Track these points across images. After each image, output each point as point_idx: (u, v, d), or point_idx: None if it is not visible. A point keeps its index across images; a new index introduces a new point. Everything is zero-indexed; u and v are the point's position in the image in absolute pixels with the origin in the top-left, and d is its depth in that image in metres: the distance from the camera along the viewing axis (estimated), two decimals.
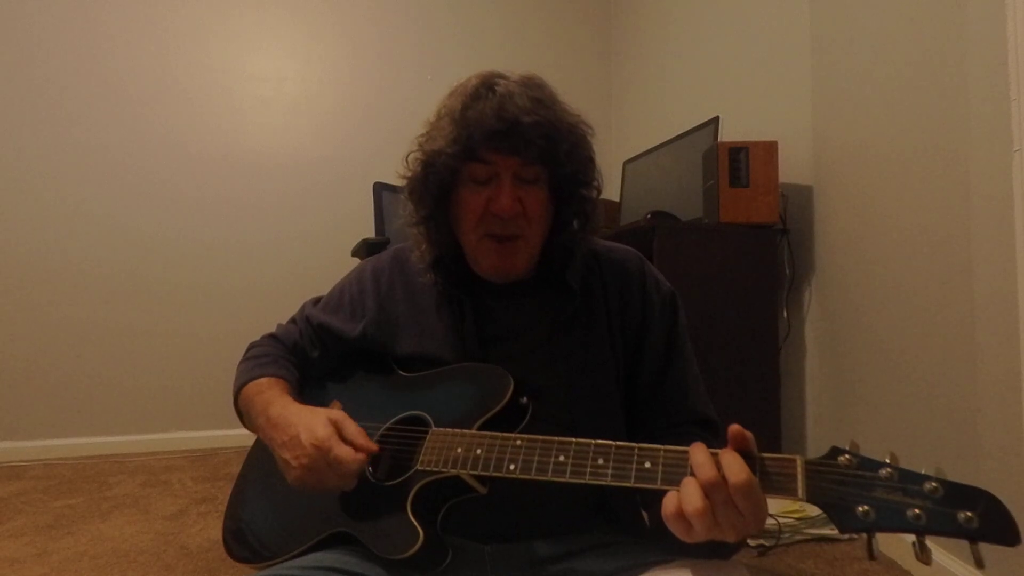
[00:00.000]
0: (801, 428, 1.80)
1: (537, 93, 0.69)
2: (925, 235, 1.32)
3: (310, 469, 0.66)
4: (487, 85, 0.69)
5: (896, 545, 1.39)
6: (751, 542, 1.46)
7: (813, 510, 1.54)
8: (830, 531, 1.50)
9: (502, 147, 0.68)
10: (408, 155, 0.75)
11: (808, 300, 1.78)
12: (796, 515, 1.52)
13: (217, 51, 2.76)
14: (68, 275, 2.57)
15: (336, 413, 0.70)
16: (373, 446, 0.68)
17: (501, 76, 0.70)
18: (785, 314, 1.82)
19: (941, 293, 1.27)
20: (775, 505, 1.53)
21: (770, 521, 1.47)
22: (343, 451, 0.65)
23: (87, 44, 2.60)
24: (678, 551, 0.66)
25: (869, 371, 1.51)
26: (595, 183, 0.76)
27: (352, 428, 0.68)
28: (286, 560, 0.72)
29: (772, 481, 0.50)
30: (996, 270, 1.13)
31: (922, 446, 1.32)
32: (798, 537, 1.49)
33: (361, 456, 0.66)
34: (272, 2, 2.83)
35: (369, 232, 2.19)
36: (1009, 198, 1.09)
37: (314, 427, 0.68)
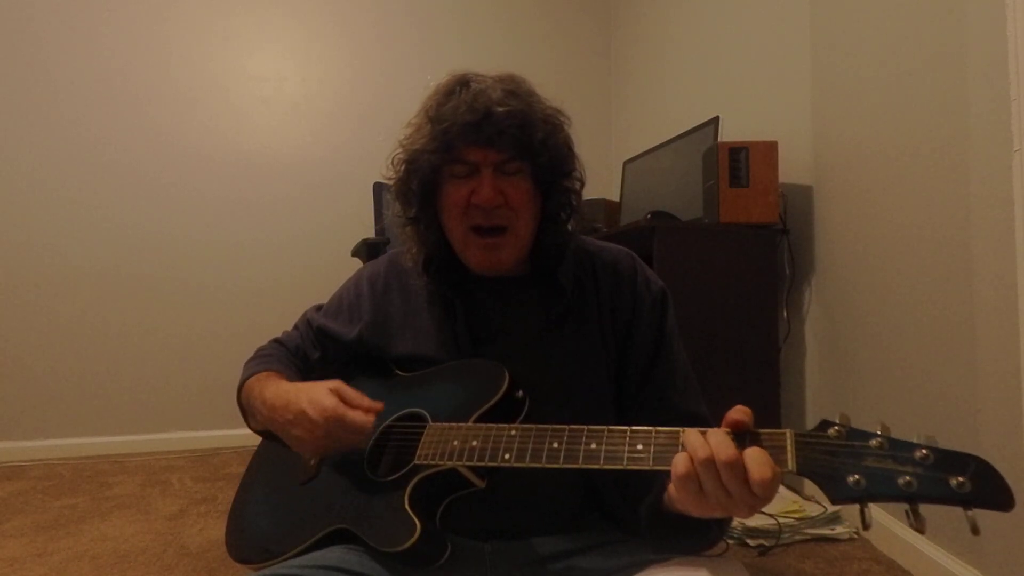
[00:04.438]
0: (801, 428, 1.79)
1: (511, 86, 0.70)
2: (925, 235, 1.32)
3: (324, 439, 0.69)
4: (461, 81, 0.71)
5: (896, 544, 1.39)
6: (751, 542, 1.46)
7: (813, 509, 1.55)
8: (830, 531, 1.50)
9: (478, 139, 0.69)
10: (392, 156, 0.76)
11: (808, 300, 1.78)
12: (796, 515, 1.52)
13: (217, 51, 2.76)
14: (68, 275, 2.57)
15: (331, 382, 0.73)
16: (378, 404, 0.71)
17: (477, 74, 0.72)
18: (785, 314, 1.82)
19: (941, 292, 1.27)
20: (775, 505, 1.53)
21: (770, 521, 1.47)
22: (356, 415, 0.69)
23: (87, 44, 2.60)
24: (670, 549, 0.67)
25: (869, 371, 1.51)
26: (576, 173, 0.77)
27: (351, 393, 0.72)
28: (286, 559, 0.72)
29: None
30: (996, 270, 1.13)
31: (920, 434, 1.32)
32: (798, 537, 1.49)
33: (371, 416, 0.69)
34: (272, 2, 2.83)
35: (369, 232, 2.19)
36: (1009, 198, 1.09)
37: (317, 399, 0.70)
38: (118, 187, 2.63)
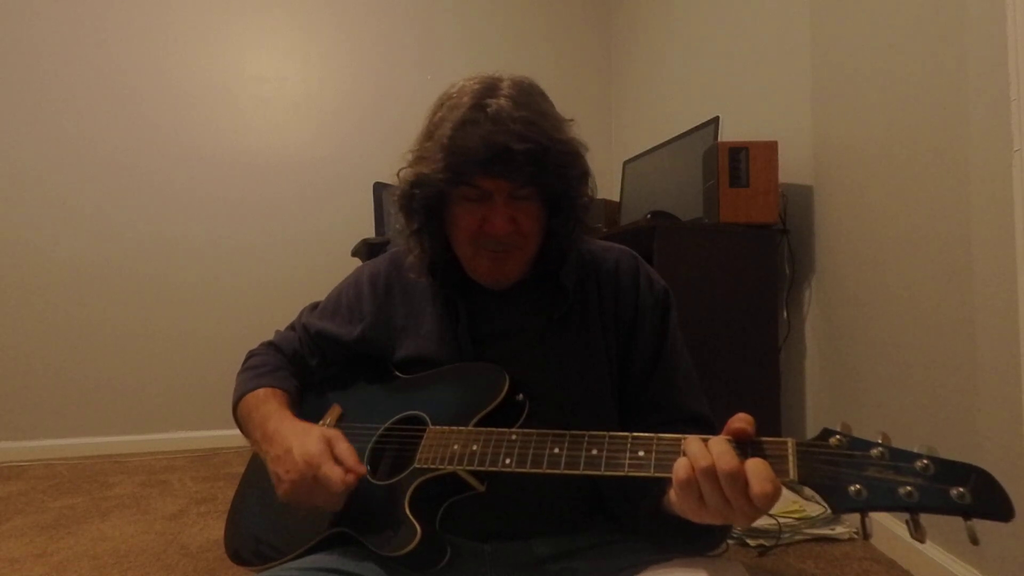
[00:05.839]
0: (801, 428, 1.80)
1: (528, 111, 0.67)
2: (925, 235, 1.32)
3: (298, 485, 0.66)
4: (478, 106, 0.67)
5: (896, 544, 1.39)
6: (751, 542, 1.46)
7: (813, 509, 1.54)
8: (830, 531, 1.50)
9: (494, 173, 0.67)
10: (399, 171, 0.73)
11: (808, 300, 1.78)
12: (796, 515, 1.52)
13: (218, 51, 2.76)
14: (68, 275, 2.57)
15: (331, 431, 0.70)
16: (362, 468, 0.67)
17: (492, 91, 0.68)
18: (785, 314, 1.82)
19: (941, 293, 1.27)
20: (775, 505, 1.53)
21: (770, 521, 1.47)
22: (331, 471, 0.64)
23: (88, 44, 2.60)
24: (672, 548, 0.66)
25: (869, 371, 1.51)
26: (587, 192, 0.75)
27: (344, 447, 0.67)
28: (286, 561, 0.72)
29: None
30: (996, 270, 1.13)
31: (922, 444, 1.32)
32: (798, 537, 1.49)
33: (349, 478, 0.65)
34: (273, 2, 2.83)
35: (369, 232, 2.20)
36: (1009, 198, 1.09)
37: (307, 443, 0.67)
38: (118, 187, 2.63)
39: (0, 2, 2.51)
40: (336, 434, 0.69)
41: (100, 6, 2.61)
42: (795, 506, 1.55)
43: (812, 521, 1.52)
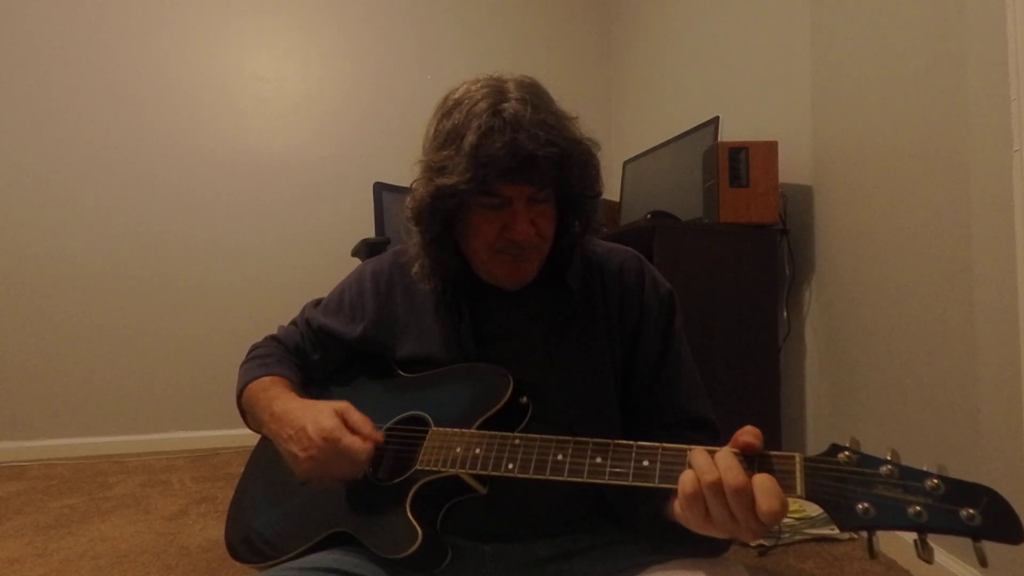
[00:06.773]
0: (801, 428, 1.80)
1: (544, 114, 0.66)
2: (925, 235, 1.32)
3: (319, 461, 0.67)
4: (495, 111, 0.65)
5: (896, 544, 1.39)
6: (751, 542, 1.46)
7: (813, 510, 1.54)
8: (830, 531, 1.50)
9: (516, 179, 0.67)
10: (413, 182, 0.72)
11: (808, 300, 1.78)
12: (796, 515, 1.52)
13: (217, 51, 2.76)
14: (68, 275, 2.57)
15: (340, 404, 0.71)
16: (379, 435, 0.69)
17: (502, 94, 0.67)
18: (785, 314, 1.82)
19: (941, 292, 1.27)
20: None
21: None
22: (352, 440, 0.66)
23: (87, 44, 2.60)
24: (673, 551, 0.66)
25: (869, 371, 1.51)
26: (599, 189, 0.75)
27: (357, 417, 0.69)
28: (286, 561, 0.72)
29: None
30: (996, 270, 1.13)
31: (922, 446, 1.32)
32: (798, 537, 1.49)
33: (368, 445, 0.67)
34: (273, 2, 2.83)
35: (369, 232, 2.19)
36: (1009, 198, 1.09)
37: (320, 419, 0.68)
38: (118, 187, 2.63)
39: (0, 2, 2.51)
40: (346, 406, 0.70)
41: (100, 6, 2.61)
42: (795, 506, 1.55)
43: (812, 521, 1.52)
